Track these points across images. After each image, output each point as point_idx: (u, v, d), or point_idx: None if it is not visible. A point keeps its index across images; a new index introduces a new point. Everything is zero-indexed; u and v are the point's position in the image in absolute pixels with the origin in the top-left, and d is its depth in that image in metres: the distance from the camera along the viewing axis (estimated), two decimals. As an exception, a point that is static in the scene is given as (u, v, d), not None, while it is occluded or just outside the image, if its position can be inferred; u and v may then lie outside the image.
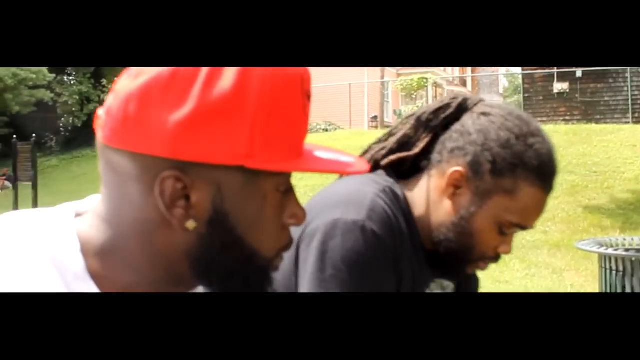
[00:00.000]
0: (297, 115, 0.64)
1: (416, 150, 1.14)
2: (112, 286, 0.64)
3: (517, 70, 18.46)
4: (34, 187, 12.76)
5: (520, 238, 7.02)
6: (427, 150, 1.13)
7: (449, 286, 1.24)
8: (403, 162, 1.16)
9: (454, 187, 1.08)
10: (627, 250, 3.67)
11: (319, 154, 0.68)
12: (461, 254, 1.10)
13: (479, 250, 1.09)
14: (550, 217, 7.64)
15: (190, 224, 0.62)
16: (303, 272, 1.04)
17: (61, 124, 23.07)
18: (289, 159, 0.63)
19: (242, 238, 0.64)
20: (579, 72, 15.26)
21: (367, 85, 21.43)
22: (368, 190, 1.08)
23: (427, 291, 1.18)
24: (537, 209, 1.07)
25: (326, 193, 1.12)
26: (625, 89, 15.24)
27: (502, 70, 28.27)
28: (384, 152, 1.18)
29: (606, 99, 15.49)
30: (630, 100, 15.18)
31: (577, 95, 15.65)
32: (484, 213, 1.06)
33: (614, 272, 3.51)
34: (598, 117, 15.02)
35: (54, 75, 20.51)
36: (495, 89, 32.93)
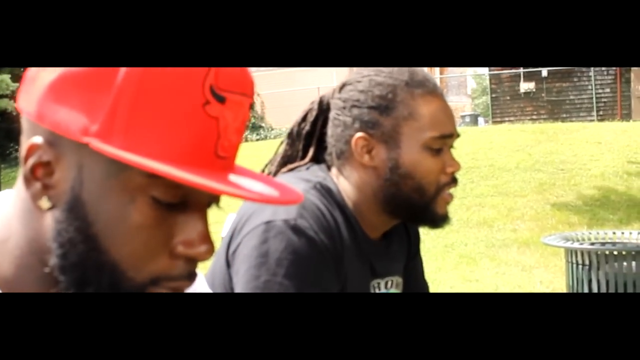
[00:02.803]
0: (188, 111, 0.52)
1: (306, 159, 1.16)
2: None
3: (484, 70, 18.68)
4: (-1, 199, 12.51)
5: (490, 237, 7.05)
6: (318, 153, 1.16)
7: (399, 283, 1.20)
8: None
9: (367, 152, 1.08)
10: (592, 244, 3.70)
11: (237, 178, 0.55)
12: (417, 198, 1.07)
13: (431, 183, 1.06)
14: (519, 215, 7.69)
15: (44, 203, 0.54)
16: (237, 283, 0.99)
17: (26, 134, 22.65)
18: (166, 160, 0.52)
19: (97, 239, 0.54)
20: (544, 71, 15.48)
21: (336, 89, 21.39)
22: (297, 188, 1.05)
23: (376, 287, 1.14)
24: (442, 111, 1.08)
25: None
26: (590, 87, 15.50)
27: (470, 71, 28.60)
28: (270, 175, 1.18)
29: (571, 97, 15.74)
30: (594, 99, 15.45)
31: (543, 95, 15.87)
32: (406, 149, 1.06)
33: (580, 266, 3.52)
34: (564, 115, 15.26)
35: (17, 84, 20.17)
36: (464, 90, 33.27)
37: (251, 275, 0.96)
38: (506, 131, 11.86)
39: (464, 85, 33.35)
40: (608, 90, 15.45)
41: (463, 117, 18.89)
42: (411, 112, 1.06)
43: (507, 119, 15.97)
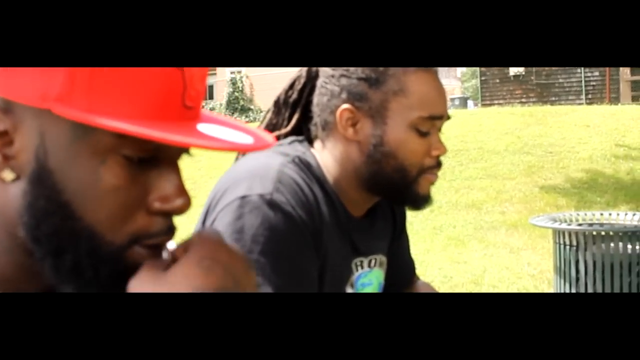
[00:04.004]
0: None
1: (288, 127, 1.12)
2: None
3: (474, 54, 18.64)
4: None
5: (479, 219, 7.08)
6: (302, 122, 1.12)
7: (383, 262, 1.18)
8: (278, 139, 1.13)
9: (351, 125, 1.04)
10: (579, 225, 3.71)
11: (206, 127, 0.54)
12: (398, 178, 1.03)
13: (413, 164, 1.03)
14: (507, 197, 7.72)
15: (7, 175, 0.52)
16: None
17: None
18: (134, 117, 0.50)
19: (69, 207, 0.52)
20: (533, 54, 15.50)
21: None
22: (274, 162, 1.01)
23: (359, 266, 1.12)
24: (435, 90, 1.04)
25: (231, 171, 1.05)
26: (579, 71, 15.53)
27: (460, 54, 28.52)
28: None
29: (560, 80, 15.78)
30: (583, 82, 15.49)
31: (532, 78, 15.90)
32: (392, 126, 1.02)
33: (567, 247, 3.54)
34: (553, 98, 15.30)
35: None
36: (453, 74, 33.27)
37: None
38: (495, 114, 11.87)
39: (453, 69, 33.34)
40: (597, 73, 15.48)
41: (452, 100, 18.91)
42: (402, 88, 1.02)
43: (496, 101, 15.99)
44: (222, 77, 24.95)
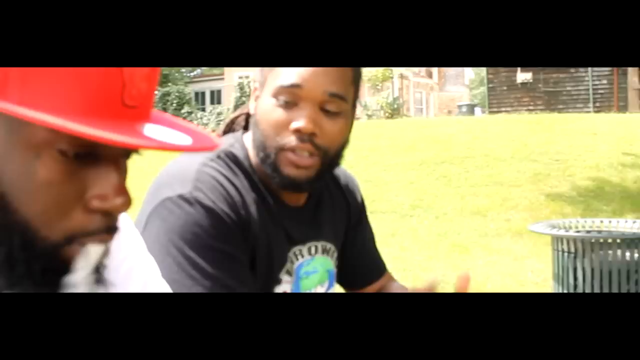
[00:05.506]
0: None
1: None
2: None
3: (482, 61, 18.61)
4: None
5: (484, 226, 7.06)
6: None
7: (328, 249, 1.19)
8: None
9: (255, 101, 1.09)
10: (578, 231, 3.70)
11: (150, 127, 0.53)
12: (263, 155, 1.04)
13: (269, 137, 1.03)
14: (513, 205, 7.70)
15: None
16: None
17: None
18: (68, 113, 0.49)
19: (4, 199, 0.51)
20: (541, 62, 15.46)
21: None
22: (195, 160, 1.05)
23: (298, 255, 1.13)
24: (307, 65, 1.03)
25: (159, 174, 1.08)
26: (587, 78, 15.49)
27: (468, 61, 28.40)
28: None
29: (568, 88, 15.73)
30: (591, 90, 15.44)
31: (540, 85, 15.86)
32: (262, 97, 1.06)
33: (566, 254, 3.52)
34: (560, 106, 15.27)
35: None
36: (461, 81, 33.21)
37: (159, 254, 0.95)
38: (502, 121, 11.84)
39: (461, 76, 33.29)
40: (605, 81, 15.43)
41: (460, 107, 18.89)
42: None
43: (503, 109, 15.97)
44: (229, 82, 25.00)
